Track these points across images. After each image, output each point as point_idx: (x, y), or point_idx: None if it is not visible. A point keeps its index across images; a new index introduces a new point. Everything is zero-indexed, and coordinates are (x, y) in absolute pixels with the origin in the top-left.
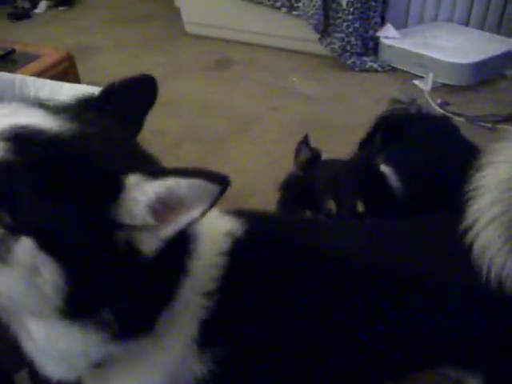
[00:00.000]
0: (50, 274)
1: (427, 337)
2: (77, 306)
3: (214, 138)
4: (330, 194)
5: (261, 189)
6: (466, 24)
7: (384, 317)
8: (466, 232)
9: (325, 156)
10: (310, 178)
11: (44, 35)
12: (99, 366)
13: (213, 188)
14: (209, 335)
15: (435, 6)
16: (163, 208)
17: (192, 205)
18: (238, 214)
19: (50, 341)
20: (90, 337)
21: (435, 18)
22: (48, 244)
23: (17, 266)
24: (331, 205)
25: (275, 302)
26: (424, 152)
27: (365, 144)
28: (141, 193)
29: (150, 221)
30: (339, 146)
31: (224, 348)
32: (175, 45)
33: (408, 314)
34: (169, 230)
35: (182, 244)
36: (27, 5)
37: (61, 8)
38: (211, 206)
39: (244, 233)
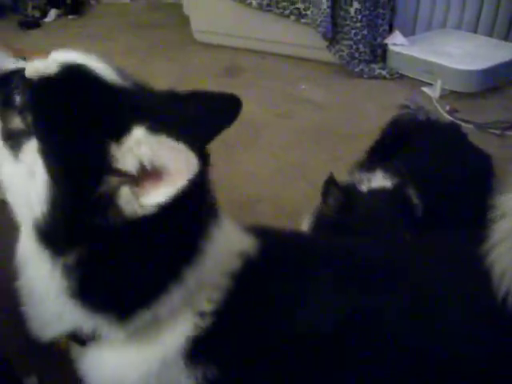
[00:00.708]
0: (39, 183)
1: (447, 363)
2: (49, 232)
3: (223, 144)
4: (374, 233)
5: (268, 195)
6: (475, 31)
7: (402, 345)
8: (486, 253)
9: (332, 163)
10: (345, 219)
11: (54, 43)
12: (75, 338)
13: (192, 158)
14: (200, 353)
15: (443, 13)
16: (150, 169)
17: (171, 172)
18: (257, 231)
19: (27, 257)
20: (55, 278)
21: (443, 25)
22: (49, 154)
23: (22, 164)
24: None
25: (279, 331)
26: (437, 163)
27: (373, 152)
28: (137, 144)
29: (134, 173)
30: (347, 153)
31: (217, 367)
32: (184, 52)
33: (428, 338)
34: (149, 199)
35: (180, 249)
36: (37, 13)
37: (70, 17)
38: (186, 180)
39: (258, 255)
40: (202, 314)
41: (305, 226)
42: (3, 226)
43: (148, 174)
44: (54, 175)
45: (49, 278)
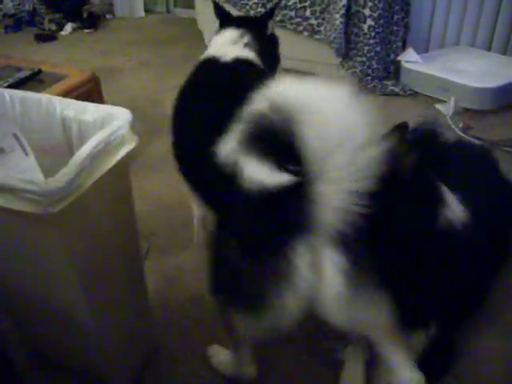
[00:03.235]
0: None
1: None
2: None
3: None
4: None
5: None
6: (488, 49)
7: None
8: None
9: None
10: None
11: (70, 56)
12: None
13: None
14: None
15: (457, 30)
16: None
17: None
18: None
19: None
20: None
21: (457, 43)
22: None
23: None
24: None
25: None
26: (481, 194)
27: None
28: None
29: None
30: None
31: None
32: None
33: None
34: None
35: None
36: (54, 27)
37: (86, 31)
38: None
39: None
40: None
41: None
42: None
43: None
44: None
45: None
